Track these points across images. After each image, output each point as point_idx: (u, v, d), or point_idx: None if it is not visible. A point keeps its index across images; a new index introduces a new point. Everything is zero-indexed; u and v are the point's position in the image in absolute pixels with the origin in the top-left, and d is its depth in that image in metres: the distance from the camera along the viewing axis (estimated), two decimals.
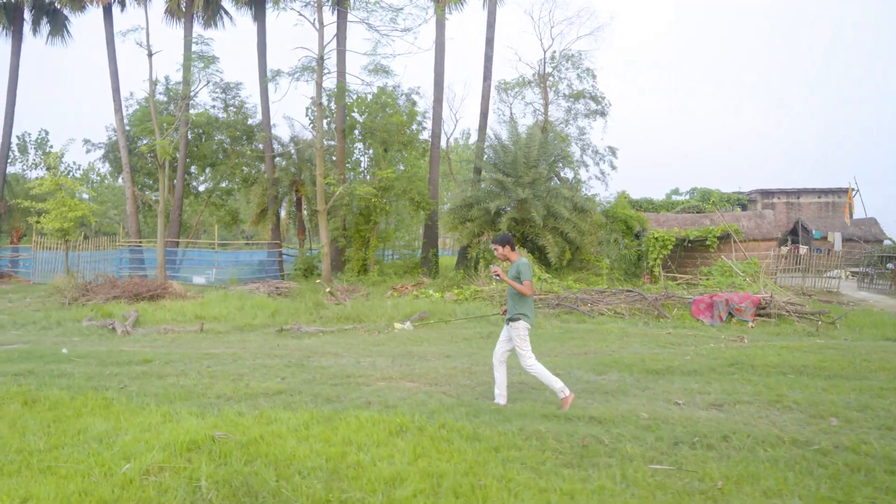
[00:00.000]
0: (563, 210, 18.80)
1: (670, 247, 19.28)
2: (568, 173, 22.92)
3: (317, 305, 14.52)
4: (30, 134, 37.44)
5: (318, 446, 5.14)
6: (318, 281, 15.07)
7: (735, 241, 19.08)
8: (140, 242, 25.65)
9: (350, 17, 18.70)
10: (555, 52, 25.94)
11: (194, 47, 19.37)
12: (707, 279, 16.82)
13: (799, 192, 33.10)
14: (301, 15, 19.17)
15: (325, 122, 30.55)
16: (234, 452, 4.98)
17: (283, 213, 27.09)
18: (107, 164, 29.61)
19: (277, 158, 25.10)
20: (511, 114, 26.75)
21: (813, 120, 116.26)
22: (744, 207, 32.73)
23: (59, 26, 27.00)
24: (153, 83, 20.27)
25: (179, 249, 25.53)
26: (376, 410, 6.29)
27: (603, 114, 26.34)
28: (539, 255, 19.02)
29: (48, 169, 38.73)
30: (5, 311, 16.20)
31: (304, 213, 23.55)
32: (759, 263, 18.71)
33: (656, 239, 19.38)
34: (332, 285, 15.91)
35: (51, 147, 39.10)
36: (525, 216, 19.35)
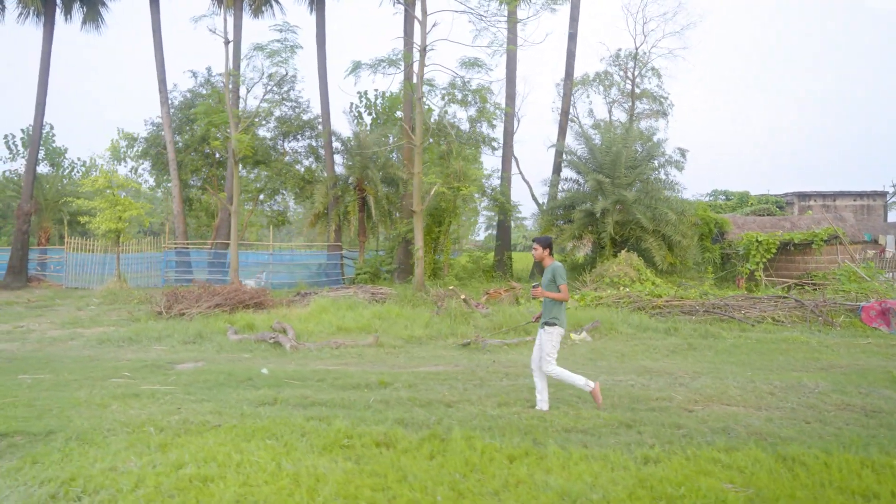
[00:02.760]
0: (669, 212, 18.16)
1: (773, 250, 18.82)
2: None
3: (463, 315, 13.48)
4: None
5: None
6: (451, 287, 14.06)
7: (842, 244, 18.76)
8: (187, 244, 24.00)
9: (455, 5, 17.54)
10: (619, 49, 25.36)
11: (278, 34, 18.03)
12: (841, 283, 16.36)
13: (835, 195, 33.32)
14: (399, 2, 18.09)
15: (365, 118, 29.32)
16: None
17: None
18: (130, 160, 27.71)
19: (337, 156, 23.84)
20: (576, 112, 26.03)
21: (833, 123, 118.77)
22: (780, 210, 32.75)
23: (93, 12, 25.06)
24: (229, 73, 18.85)
25: (228, 251, 23.95)
26: (794, 445, 5.40)
27: (665, 114, 25.88)
28: (645, 258, 18.30)
29: (45, 162, 36.33)
30: (100, 321, 14.68)
31: (374, 213, 22.31)
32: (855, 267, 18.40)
33: (759, 242, 18.88)
34: (466, 293, 14.86)
35: (54, 142, 36.70)
36: (628, 218, 18.65)
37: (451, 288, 13.90)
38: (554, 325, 6.61)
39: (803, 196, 33.33)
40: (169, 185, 35.48)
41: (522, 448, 5.31)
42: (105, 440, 5.55)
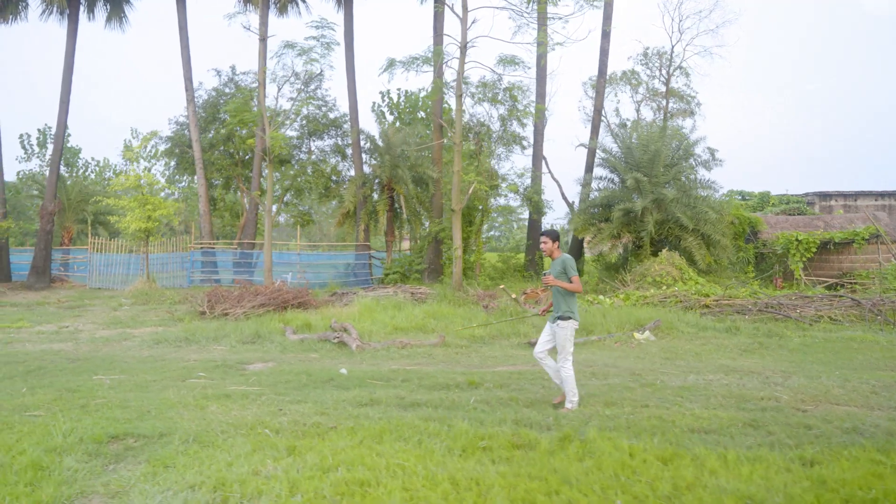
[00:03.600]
0: (709, 211, 18.00)
1: (814, 249, 18.69)
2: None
3: (516, 314, 13.26)
4: (50, 127, 34.64)
5: None
6: (501, 286, 13.79)
7: (884, 243, 18.59)
8: (213, 244, 23.74)
9: (496, 1, 17.32)
10: (647, 48, 25.19)
11: (315, 31, 17.81)
12: (889, 282, 16.19)
13: (856, 195, 33.14)
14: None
15: (388, 117, 29.08)
16: None
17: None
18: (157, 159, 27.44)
19: (365, 155, 23.58)
20: (605, 111, 25.76)
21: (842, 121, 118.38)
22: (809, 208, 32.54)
23: (118, 10, 24.81)
24: (264, 71, 18.61)
25: (255, 251, 23.74)
26: None
27: (692, 113, 25.69)
28: (687, 258, 18.09)
29: (78, 159, 36.01)
30: (144, 322, 14.43)
31: (405, 213, 22.07)
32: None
33: (799, 241, 18.74)
34: (517, 292, 14.64)
35: (68, 142, 36.37)
36: (666, 217, 18.46)
37: (501, 287, 13.66)
38: (569, 318, 6.54)
39: (824, 196, 33.14)
40: (181, 185, 35.32)
41: (668, 450, 5.10)
42: (225, 442, 5.34)
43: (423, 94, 30.18)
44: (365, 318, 13.18)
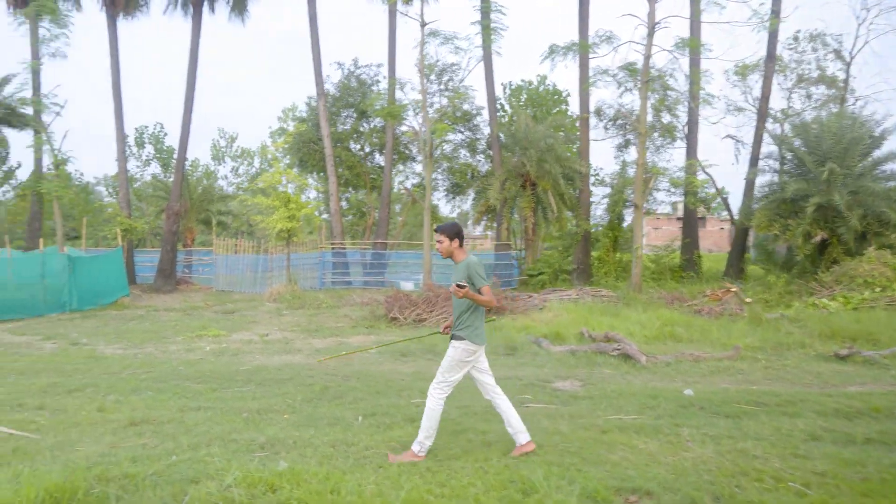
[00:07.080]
0: None
1: None
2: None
3: (764, 320, 11.84)
4: (146, 126, 34.35)
5: None
6: (734, 289, 12.47)
7: None
8: (344, 244, 22.81)
9: None
10: (799, 31, 23.42)
11: (478, 16, 16.64)
12: None
13: None
14: None
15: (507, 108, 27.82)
16: None
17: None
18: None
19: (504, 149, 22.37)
20: (747, 98, 24.08)
21: None
22: None
23: (241, 4, 24.06)
24: (423, 58, 17.52)
25: (387, 252, 22.74)
26: None
27: (843, 101, 23.80)
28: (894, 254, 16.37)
29: (156, 162, 35.71)
30: (335, 329, 13.42)
31: (556, 209, 20.76)
32: None
33: None
34: (747, 294, 13.24)
35: (165, 142, 36.09)
36: (866, 211, 16.78)
37: (733, 290, 12.28)
38: (462, 339, 4.84)
39: None
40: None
41: None
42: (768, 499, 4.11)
43: (523, 85, 28.92)
44: (583, 324, 11.93)
